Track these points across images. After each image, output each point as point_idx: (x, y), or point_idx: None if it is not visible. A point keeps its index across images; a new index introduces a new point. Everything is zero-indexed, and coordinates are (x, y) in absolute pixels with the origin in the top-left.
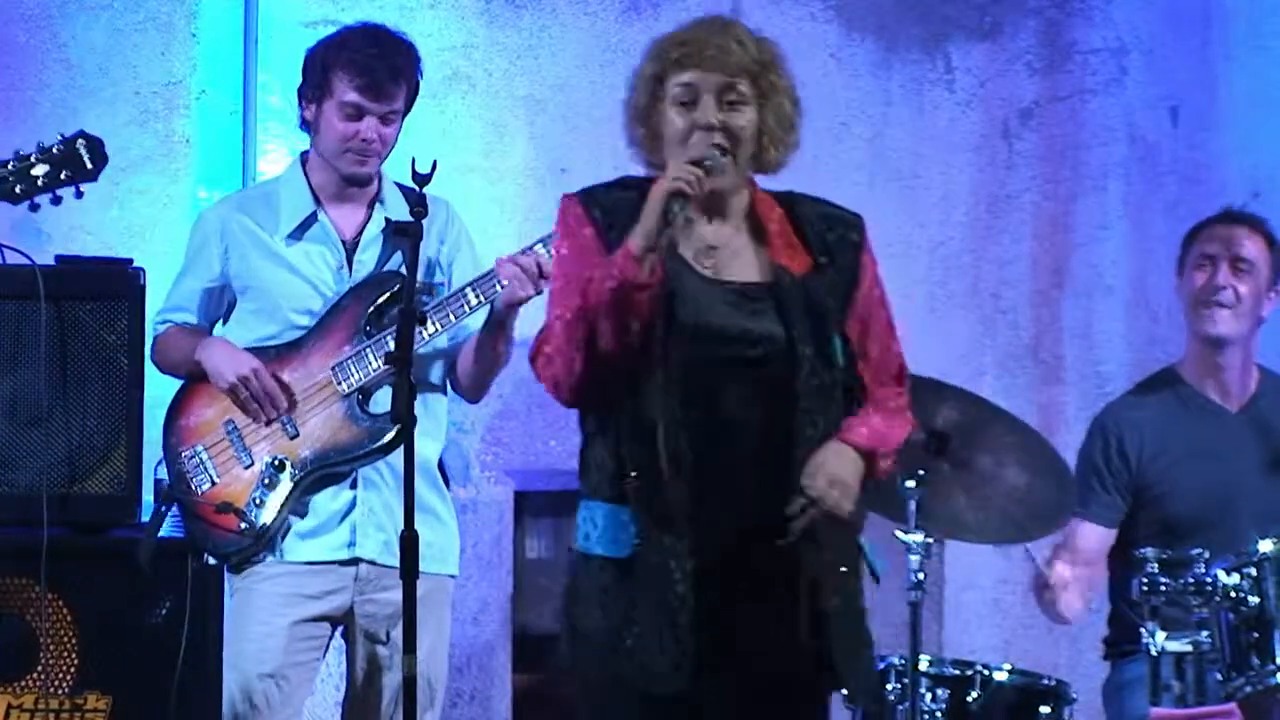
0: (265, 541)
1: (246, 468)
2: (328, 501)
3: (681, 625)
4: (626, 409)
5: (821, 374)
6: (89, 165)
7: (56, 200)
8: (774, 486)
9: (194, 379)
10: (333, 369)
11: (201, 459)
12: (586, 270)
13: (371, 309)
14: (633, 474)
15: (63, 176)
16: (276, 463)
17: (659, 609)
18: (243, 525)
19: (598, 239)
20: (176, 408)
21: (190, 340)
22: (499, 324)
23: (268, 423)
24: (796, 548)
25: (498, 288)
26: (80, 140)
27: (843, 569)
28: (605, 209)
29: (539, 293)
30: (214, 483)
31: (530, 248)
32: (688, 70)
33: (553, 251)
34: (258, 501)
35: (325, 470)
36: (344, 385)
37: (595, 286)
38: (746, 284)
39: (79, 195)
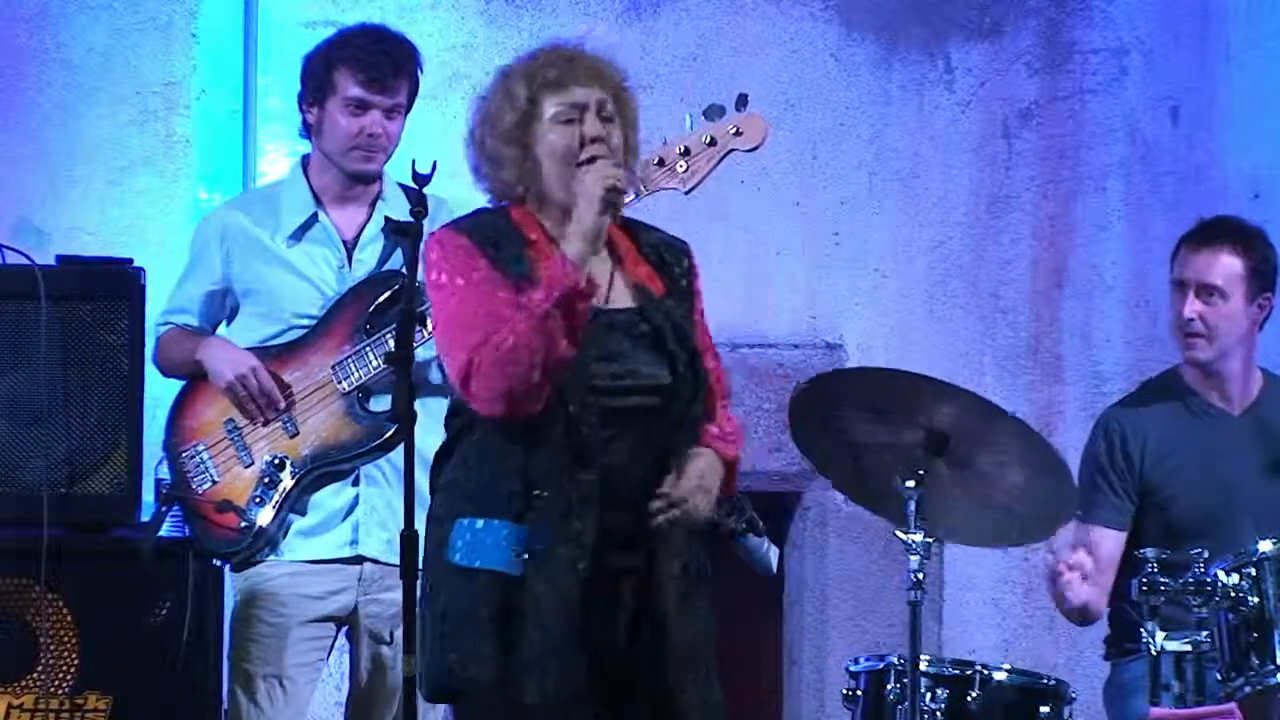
0: (266, 540)
1: (247, 467)
2: (330, 499)
3: (571, 638)
4: (532, 433)
5: (695, 392)
6: None
7: None
8: (648, 499)
9: (196, 379)
10: (333, 368)
11: (202, 458)
12: (490, 298)
13: (372, 308)
14: (540, 492)
15: None
16: (277, 461)
17: (554, 623)
18: (243, 524)
19: (493, 268)
20: (178, 407)
21: (191, 340)
22: None
23: (266, 423)
24: (650, 551)
25: None
26: None
27: (679, 573)
28: (489, 239)
29: None
30: (215, 482)
31: None
32: (567, 88)
33: (435, 283)
34: (258, 500)
35: (325, 468)
36: (344, 384)
37: (538, 305)
38: (620, 309)
39: None
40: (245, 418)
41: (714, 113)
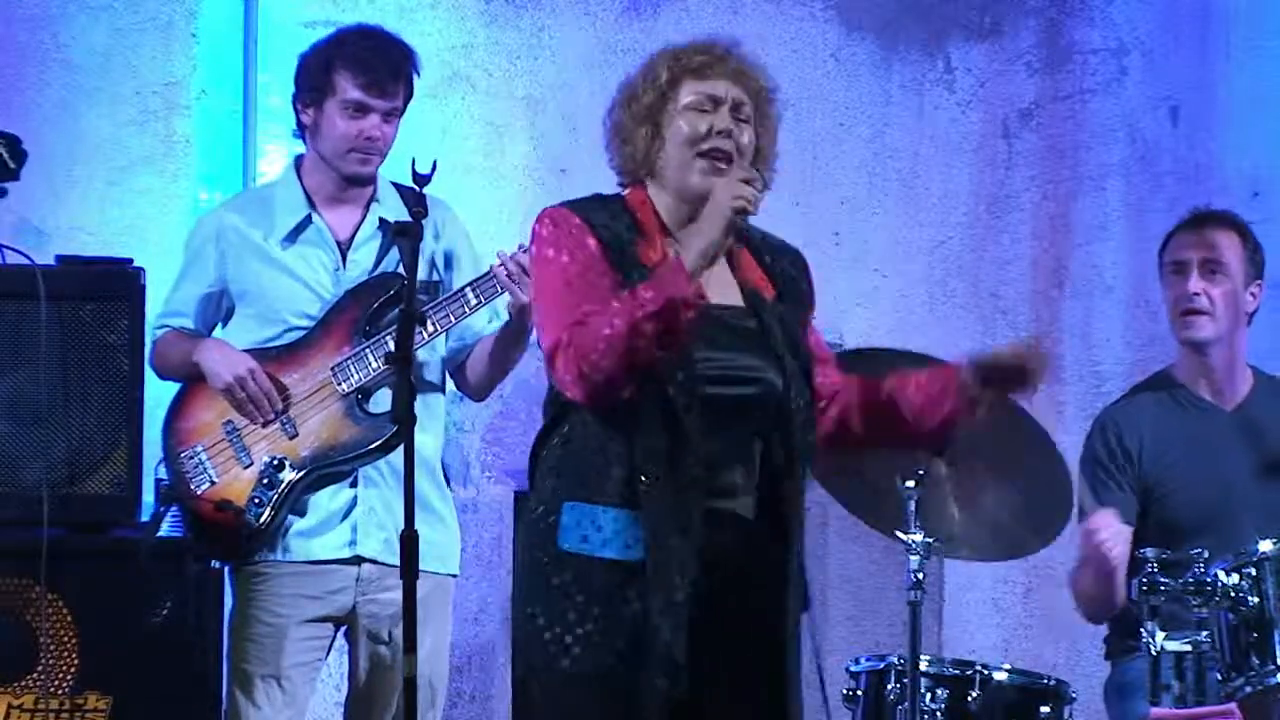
0: (265, 540)
1: (246, 468)
2: (328, 500)
3: (685, 627)
4: (634, 418)
5: (805, 391)
6: (10, 164)
7: None
8: (769, 492)
9: (192, 381)
10: (332, 369)
11: (201, 459)
12: (596, 280)
13: (371, 310)
14: (646, 479)
15: None
16: (275, 462)
17: (669, 611)
18: (242, 524)
19: (603, 253)
20: (175, 410)
21: (188, 343)
22: (519, 329)
23: (264, 424)
24: (784, 557)
25: (497, 288)
26: None
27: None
28: (602, 225)
29: None
30: (213, 483)
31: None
32: (709, 80)
33: (542, 257)
34: (257, 501)
35: (324, 470)
36: (343, 385)
37: (641, 303)
38: (730, 307)
39: (2, 194)
40: (244, 419)
41: None
